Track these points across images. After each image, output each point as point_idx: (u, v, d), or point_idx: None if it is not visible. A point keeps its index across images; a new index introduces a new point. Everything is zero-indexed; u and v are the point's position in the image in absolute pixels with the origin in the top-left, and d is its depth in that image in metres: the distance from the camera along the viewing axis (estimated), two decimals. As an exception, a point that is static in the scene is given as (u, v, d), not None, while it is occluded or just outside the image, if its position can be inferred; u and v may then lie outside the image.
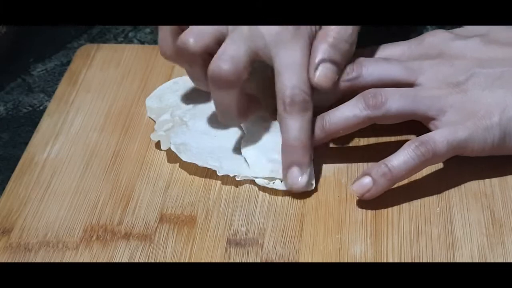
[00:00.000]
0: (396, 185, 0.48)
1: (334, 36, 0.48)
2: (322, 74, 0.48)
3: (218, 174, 0.50)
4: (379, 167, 0.46)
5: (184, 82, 0.57)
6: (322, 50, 0.48)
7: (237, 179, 0.50)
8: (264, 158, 0.50)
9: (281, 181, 0.49)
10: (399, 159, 0.46)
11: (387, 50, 0.53)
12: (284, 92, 0.47)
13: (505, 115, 0.46)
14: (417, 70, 0.49)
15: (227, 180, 0.50)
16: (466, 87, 0.47)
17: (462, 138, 0.46)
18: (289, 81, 0.47)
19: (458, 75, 0.48)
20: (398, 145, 0.47)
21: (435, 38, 0.51)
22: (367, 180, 0.46)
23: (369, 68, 0.49)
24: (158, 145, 0.52)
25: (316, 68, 0.48)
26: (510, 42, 0.49)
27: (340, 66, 0.49)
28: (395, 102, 0.47)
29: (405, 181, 0.48)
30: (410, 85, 0.49)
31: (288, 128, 0.48)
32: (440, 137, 0.46)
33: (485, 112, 0.47)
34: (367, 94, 0.47)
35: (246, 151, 0.50)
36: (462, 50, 0.49)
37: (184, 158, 0.50)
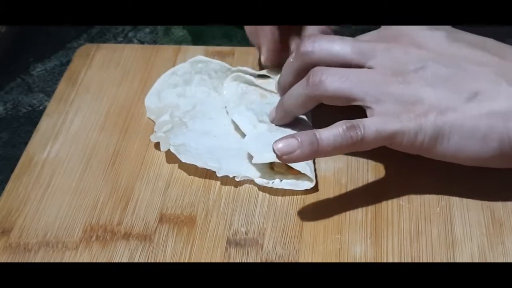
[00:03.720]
0: (396, 185, 0.48)
1: None
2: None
3: (218, 175, 0.50)
4: (309, 134, 0.45)
5: (183, 74, 0.56)
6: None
7: (236, 179, 0.50)
8: (267, 149, 0.49)
9: (281, 181, 0.49)
10: (329, 135, 0.45)
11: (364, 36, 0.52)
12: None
13: (441, 117, 0.44)
14: (368, 53, 0.47)
15: (227, 180, 0.50)
16: (411, 79, 0.45)
17: (392, 130, 0.45)
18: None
19: (408, 64, 0.46)
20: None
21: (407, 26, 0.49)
22: (294, 142, 0.45)
23: (320, 44, 0.48)
24: (157, 145, 0.52)
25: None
26: (476, 44, 0.47)
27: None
28: (333, 82, 0.46)
29: (405, 181, 0.48)
30: (360, 66, 0.47)
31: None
32: (371, 124, 0.45)
33: (422, 109, 0.44)
34: (311, 72, 0.47)
35: (247, 144, 0.50)
36: (424, 39, 0.47)
37: (183, 159, 0.50)
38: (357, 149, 0.46)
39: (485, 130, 0.44)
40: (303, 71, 0.48)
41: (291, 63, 0.50)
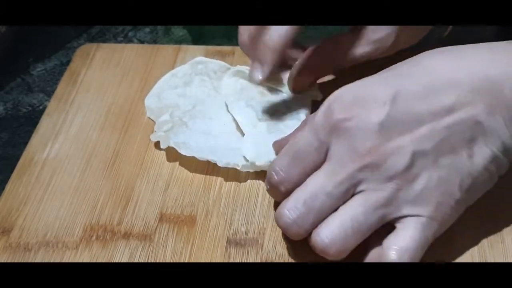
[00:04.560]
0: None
1: None
2: None
3: (219, 165, 0.50)
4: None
5: (183, 75, 0.57)
6: None
7: (238, 168, 0.50)
8: (264, 150, 0.50)
9: None
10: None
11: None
12: None
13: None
14: (349, 189, 0.42)
15: (227, 180, 0.50)
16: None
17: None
18: None
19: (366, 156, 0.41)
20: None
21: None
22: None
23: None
24: (157, 144, 0.52)
25: None
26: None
27: None
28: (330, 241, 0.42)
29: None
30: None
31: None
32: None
33: (416, 172, 0.41)
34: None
35: (245, 148, 0.50)
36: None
37: (183, 152, 0.50)
38: None
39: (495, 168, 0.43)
40: None
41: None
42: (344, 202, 0.42)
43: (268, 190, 0.46)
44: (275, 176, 0.44)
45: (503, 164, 0.43)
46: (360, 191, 0.42)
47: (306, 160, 0.43)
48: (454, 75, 0.42)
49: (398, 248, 0.41)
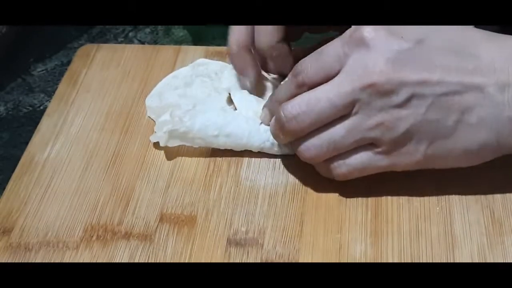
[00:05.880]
0: (396, 185, 0.48)
1: None
2: None
3: (218, 147, 0.51)
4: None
5: (184, 77, 0.57)
6: None
7: (235, 149, 0.51)
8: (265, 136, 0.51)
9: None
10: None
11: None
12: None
13: (432, 147, 0.45)
14: (352, 102, 0.45)
15: (227, 180, 0.50)
16: (396, 117, 0.45)
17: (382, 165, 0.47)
18: None
19: (394, 98, 0.44)
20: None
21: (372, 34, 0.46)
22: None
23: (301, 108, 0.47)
24: (157, 144, 0.52)
25: None
26: (448, 46, 0.45)
27: None
28: (319, 156, 0.47)
29: (405, 181, 0.48)
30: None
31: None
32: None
33: (415, 141, 0.45)
34: (281, 108, 0.47)
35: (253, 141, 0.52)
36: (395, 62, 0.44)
37: (184, 143, 0.51)
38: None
39: (478, 147, 0.45)
40: None
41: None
42: (340, 117, 0.45)
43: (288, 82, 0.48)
44: (300, 75, 0.46)
45: (490, 150, 0.45)
46: (352, 114, 0.45)
47: (327, 64, 0.46)
48: (482, 53, 0.44)
49: (342, 162, 0.46)
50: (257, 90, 0.55)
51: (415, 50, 0.44)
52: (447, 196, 0.48)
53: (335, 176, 0.48)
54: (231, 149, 0.52)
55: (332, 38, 0.47)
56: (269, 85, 0.55)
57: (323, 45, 0.50)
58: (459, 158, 0.46)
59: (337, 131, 0.45)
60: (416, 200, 0.48)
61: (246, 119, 0.52)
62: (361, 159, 0.46)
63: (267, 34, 0.51)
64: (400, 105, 0.44)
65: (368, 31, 0.45)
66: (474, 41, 0.45)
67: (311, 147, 0.46)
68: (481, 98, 0.44)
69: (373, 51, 0.44)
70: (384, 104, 0.44)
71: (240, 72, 0.54)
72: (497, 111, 0.44)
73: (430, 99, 0.44)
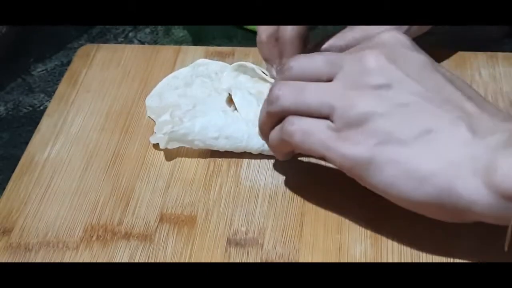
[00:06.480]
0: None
1: None
2: None
3: (218, 149, 0.51)
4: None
5: (184, 77, 0.57)
6: None
7: (235, 151, 0.51)
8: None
9: None
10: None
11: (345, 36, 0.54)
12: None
13: (382, 147, 0.41)
14: (337, 63, 0.44)
15: (227, 180, 0.50)
16: (367, 96, 0.42)
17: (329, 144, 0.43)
18: None
19: (372, 78, 0.42)
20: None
21: (388, 36, 0.45)
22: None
23: (298, 61, 0.46)
24: (157, 145, 0.52)
25: None
26: (451, 80, 0.43)
27: None
28: (287, 96, 0.44)
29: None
30: (331, 79, 0.45)
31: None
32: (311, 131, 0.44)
33: (367, 131, 0.41)
34: (269, 90, 0.46)
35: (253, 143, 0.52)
36: (400, 57, 0.43)
37: (184, 145, 0.51)
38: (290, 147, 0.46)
39: (426, 173, 0.40)
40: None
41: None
42: (325, 79, 0.44)
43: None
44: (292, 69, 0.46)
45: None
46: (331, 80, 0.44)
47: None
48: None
49: (298, 128, 0.43)
50: (258, 91, 0.55)
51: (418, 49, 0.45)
52: (447, 196, 0.48)
53: (282, 134, 0.45)
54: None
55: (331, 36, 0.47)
56: (270, 86, 0.55)
57: (319, 47, 0.51)
58: (405, 184, 0.41)
59: (310, 87, 0.44)
60: (416, 200, 0.48)
61: (246, 121, 0.52)
62: (310, 124, 0.43)
63: (294, 27, 0.52)
64: (374, 87, 0.42)
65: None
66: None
67: (279, 92, 0.45)
68: (451, 133, 0.40)
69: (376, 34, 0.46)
70: (361, 80, 0.42)
71: (267, 60, 0.55)
72: (468, 151, 0.40)
73: (406, 99, 0.41)
